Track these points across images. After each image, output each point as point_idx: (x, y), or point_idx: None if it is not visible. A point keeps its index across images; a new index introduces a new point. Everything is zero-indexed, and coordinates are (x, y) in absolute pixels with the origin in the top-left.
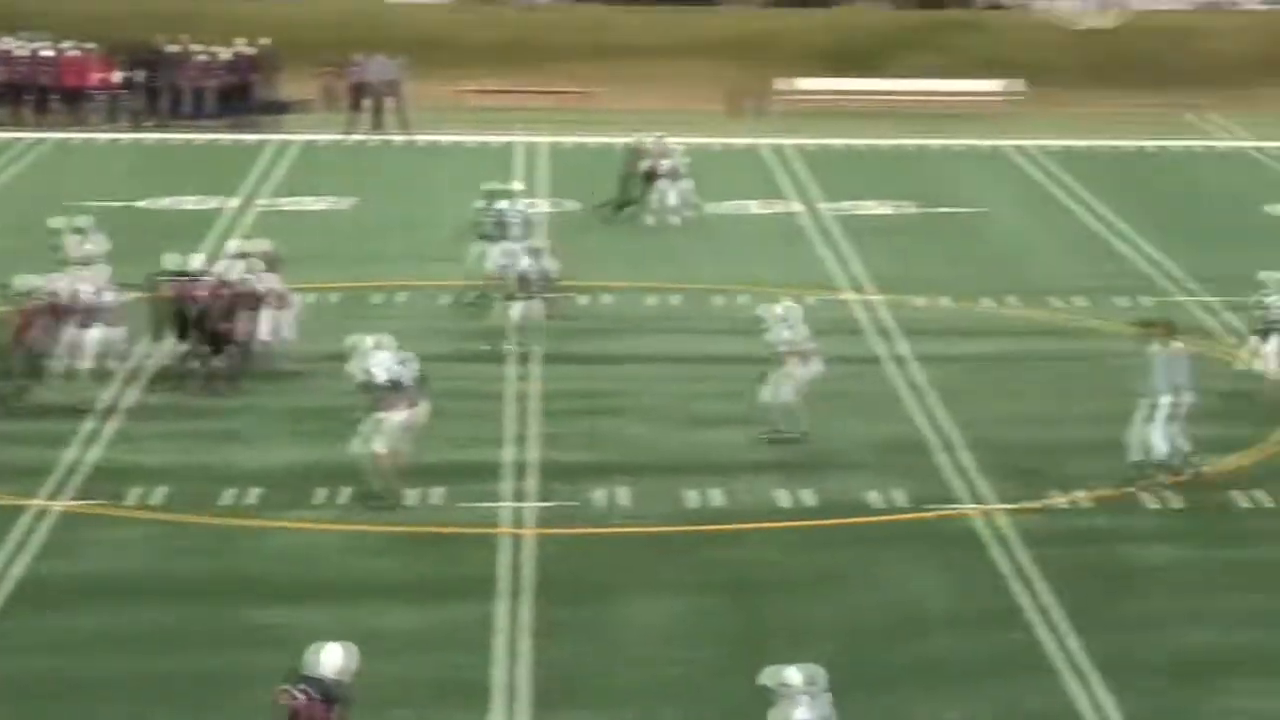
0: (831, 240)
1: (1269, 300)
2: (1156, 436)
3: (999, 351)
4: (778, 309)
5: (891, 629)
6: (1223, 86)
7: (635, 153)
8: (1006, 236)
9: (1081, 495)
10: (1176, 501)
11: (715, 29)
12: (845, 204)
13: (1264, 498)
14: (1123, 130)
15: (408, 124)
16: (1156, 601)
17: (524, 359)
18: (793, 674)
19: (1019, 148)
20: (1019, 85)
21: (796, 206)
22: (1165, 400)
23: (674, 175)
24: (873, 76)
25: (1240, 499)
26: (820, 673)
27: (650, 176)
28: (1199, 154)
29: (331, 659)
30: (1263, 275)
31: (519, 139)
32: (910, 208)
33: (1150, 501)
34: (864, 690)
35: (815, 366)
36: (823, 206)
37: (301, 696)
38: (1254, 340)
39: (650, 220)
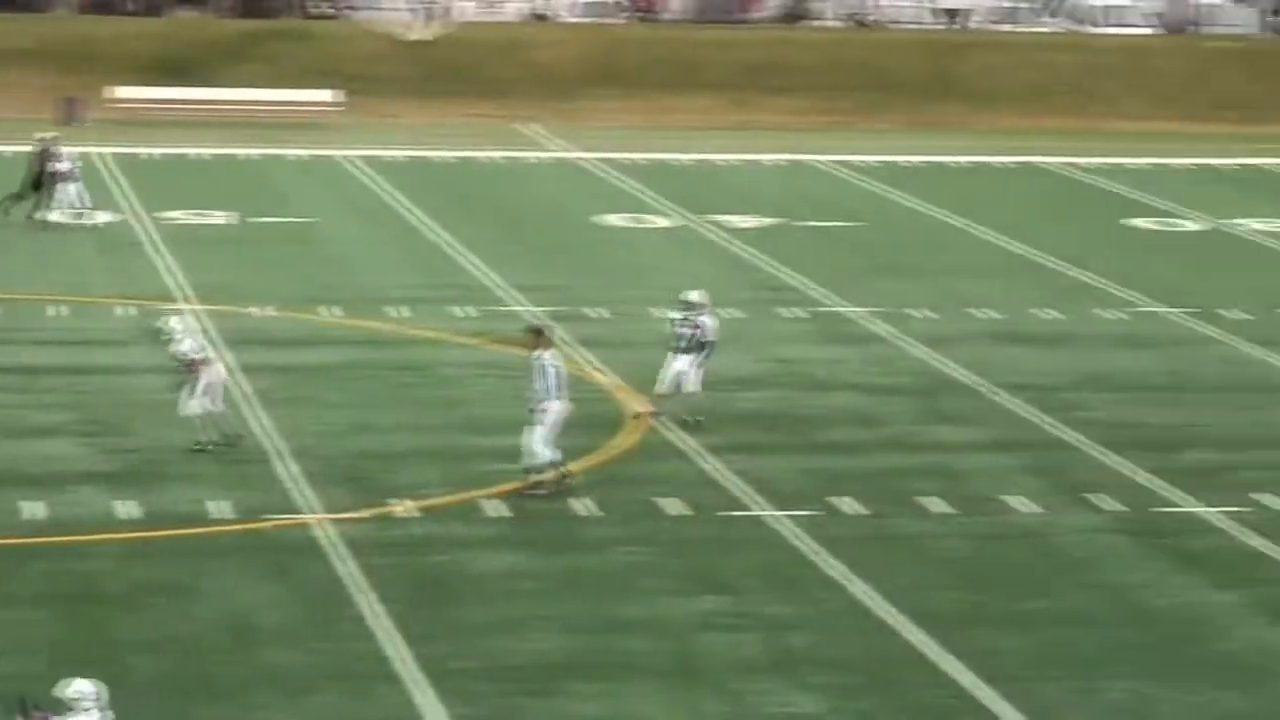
0: (159, 250)
1: (691, 318)
2: (537, 442)
3: (330, 361)
4: (174, 321)
5: (227, 640)
6: (547, 97)
7: (41, 155)
8: (336, 246)
9: (413, 504)
10: (511, 509)
11: (42, 36)
12: (171, 213)
13: (595, 506)
14: (450, 140)
15: None
16: (492, 608)
17: None
18: (84, 685)
19: (347, 158)
20: (344, 95)
21: (123, 215)
22: (554, 406)
23: (69, 177)
24: (198, 85)
25: (576, 507)
26: (103, 686)
27: (54, 178)
28: (526, 164)
29: None
30: (684, 294)
31: None
32: (236, 217)
33: (489, 509)
34: (198, 701)
35: (222, 372)
36: (149, 216)
37: None
38: (671, 356)
39: (56, 217)
